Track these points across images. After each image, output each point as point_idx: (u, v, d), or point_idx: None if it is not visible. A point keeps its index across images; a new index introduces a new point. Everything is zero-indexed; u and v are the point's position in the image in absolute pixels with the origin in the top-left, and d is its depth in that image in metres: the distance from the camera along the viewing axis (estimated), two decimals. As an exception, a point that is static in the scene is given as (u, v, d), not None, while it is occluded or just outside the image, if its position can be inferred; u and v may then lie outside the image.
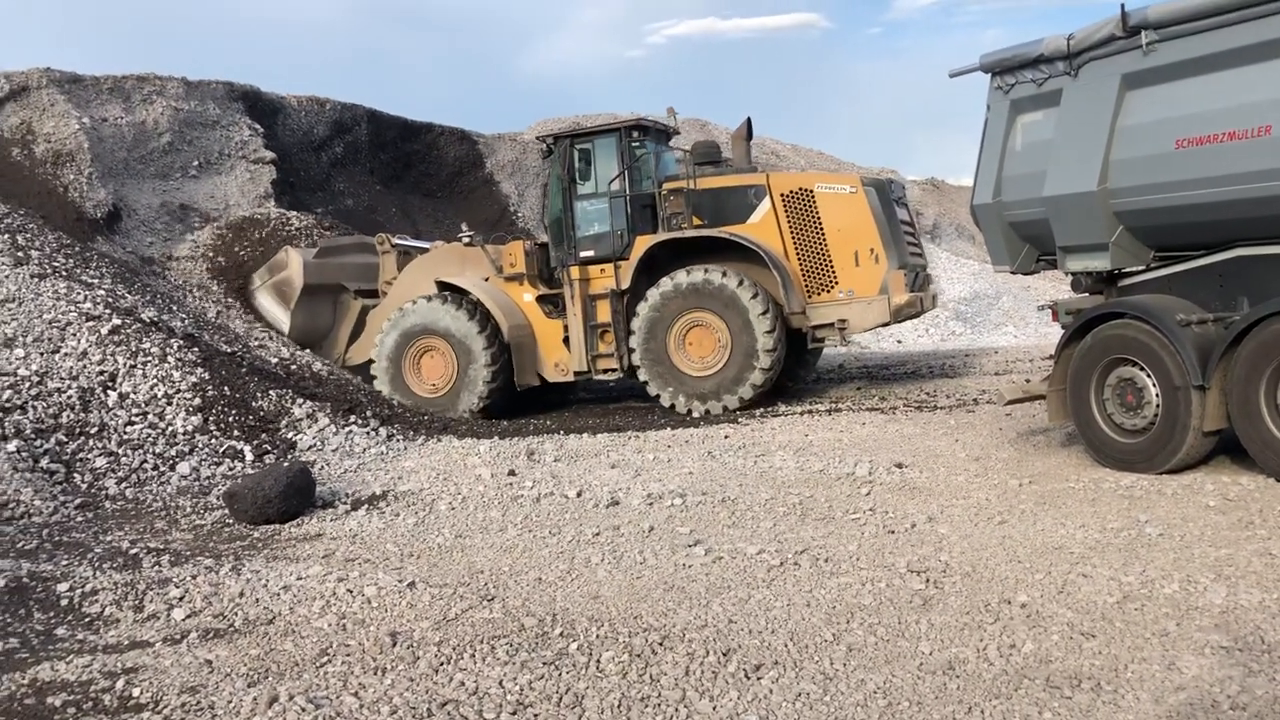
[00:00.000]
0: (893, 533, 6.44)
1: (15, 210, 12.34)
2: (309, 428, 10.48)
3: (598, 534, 6.79)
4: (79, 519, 7.92)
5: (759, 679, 4.27)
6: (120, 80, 14.98)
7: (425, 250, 14.90)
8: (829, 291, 12.68)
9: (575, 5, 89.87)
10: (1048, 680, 4.08)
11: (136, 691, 4.44)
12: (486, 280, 13.66)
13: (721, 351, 12.52)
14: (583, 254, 13.22)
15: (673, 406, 12.66)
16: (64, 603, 5.79)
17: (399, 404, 12.85)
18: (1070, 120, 7.98)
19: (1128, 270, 8.09)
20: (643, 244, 12.94)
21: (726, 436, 10.50)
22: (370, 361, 13.78)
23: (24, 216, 12.26)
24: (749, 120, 14.38)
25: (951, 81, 9.65)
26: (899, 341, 21.43)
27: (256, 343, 12.64)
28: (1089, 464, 7.97)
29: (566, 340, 13.34)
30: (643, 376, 12.83)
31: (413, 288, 13.86)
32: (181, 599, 5.77)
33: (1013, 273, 9.10)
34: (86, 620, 5.59)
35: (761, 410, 12.44)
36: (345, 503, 8.21)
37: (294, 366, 12.52)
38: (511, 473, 8.89)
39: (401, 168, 19.13)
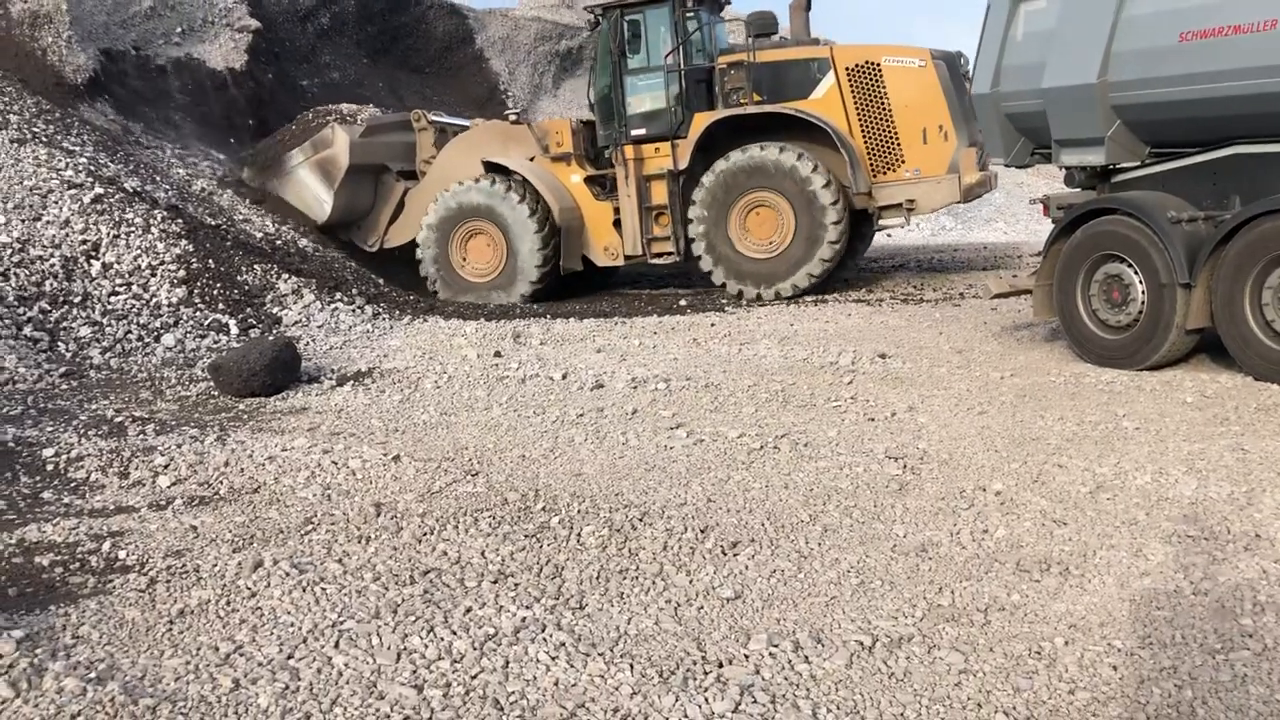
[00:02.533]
0: (872, 420, 6.51)
1: (-8, 73, 12.04)
2: (294, 303, 10.45)
3: (581, 415, 6.84)
4: (64, 387, 7.92)
5: (735, 555, 4.36)
6: (100, -60, 14.46)
7: (463, 128, 14.49)
8: (895, 170, 12.22)
9: None
10: (1018, 564, 4.17)
11: (123, 554, 4.51)
12: (531, 160, 13.27)
13: (783, 234, 12.13)
14: (634, 132, 12.76)
15: (739, 293, 12.35)
16: (50, 467, 5.83)
17: (440, 292, 12.95)
18: (1074, 9, 7.81)
19: (1122, 166, 8.02)
20: (701, 121, 12.41)
21: (713, 325, 10.52)
22: (409, 243, 13.54)
23: (1, 79, 11.97)
24: None
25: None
26: (889, 235, 21.28)
27: (241, 217, 12.49)
28: (1071, 359, 8.02)
29: (617, 223, 13.00)
30: (701, 260, 12.49)
31: (453, 167, 13.47)
32: (167, 467, 5.82)
33: (1006, 165, 9.02)
34: (72, 485, 5.63)
35: (750, 298, 12.44)
36: (330, 378, 8.23)
37: (279, 242, 12.40)
38: (497, 354, 8.91)
39: (389, 41, 18.67)
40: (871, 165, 12.29)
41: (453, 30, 19.88)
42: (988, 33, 8.55)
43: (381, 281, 12.49)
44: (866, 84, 12.29)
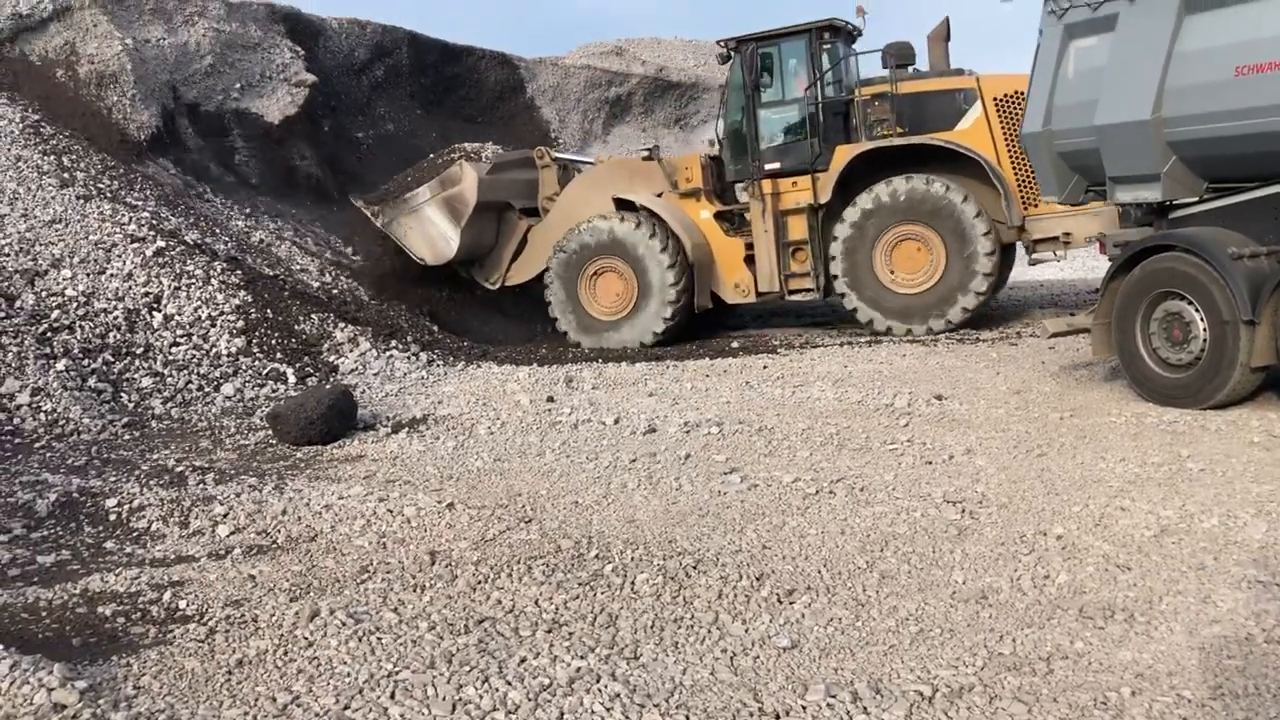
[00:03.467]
0: (930, 463, 6.44)
1: (60, 132, 12.44)
2: (350, 351, 10.59)
3: (634, 460, 6.85)
4: (126, 437, 8.09)
5: (791, 603, 4.32)
6: (162, 1, 14.93)
7: (587, 165, 14.59)
8: (1048, 202, 11.48)
9: None
10: (1080, 611, 4.08)
11: (183, 603, 4.57)
12: (659, 196, 13.22)
13: (934, 269, 11.81)
14: (768, 166, 12.59)
15: (887, 329, 12.07)
16: (112, 517, 5.95)
17: (568, 330, 12.99)
18: (1125, 46, 7.75)
19: (1179, 202, 7.91)
20: (844, 154, 12.16)
21: (765, 367, 10.49)
22: (531, 281, 13.64)
23: (69, 138, 12.36)
24: (947, 20, 13.27)
25: (1003, 7, 9.44)
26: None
27: (299, 267, 12.73)
28: (1132, 399, 7.88)
29: (748, 259, 12.85)
30: (845, 297, 12.23)
31: (579, 204, 13.45)
32: (226, 515, 5.91)
33: (1060, 203, 8.95)
34: (134, 535, 5.74)
35: (802, 340, 12.40)
36: (386, 425, 8.32)
37: (335, 291, 12.61)
38: (550, 399, 8.95)
39: (442, 92, 18.99)
40: (1021, 197, 11.94)
41: (504, 79, 20.19)
42: (1038, 71, 8.51)
43: (436, 329, 12.62)
44: (1016, 114, 11.75)
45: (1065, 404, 7.92)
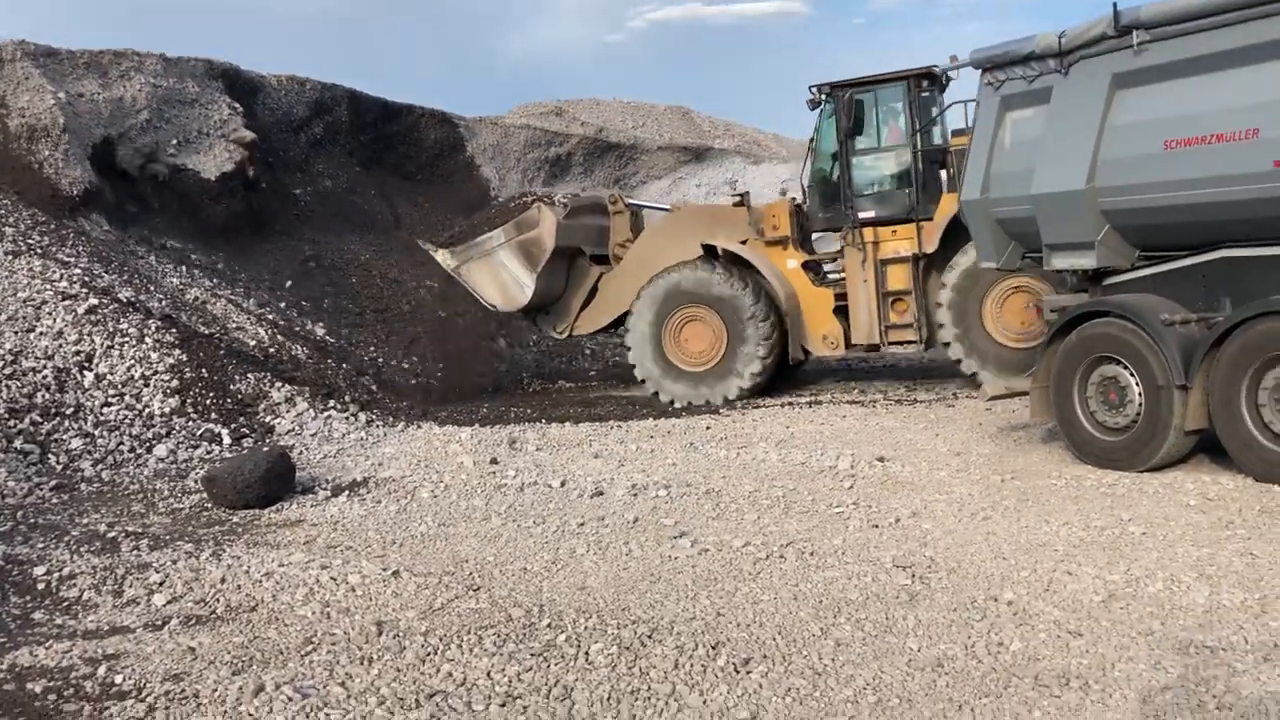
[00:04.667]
0: (877, 527, 6.47)
1: (-11, 186, 12.17)
2: (288, 412, 10.41)
3: (583, 524, 6.79)
4: (54, 501, 7.84)
5: (748, 673, 4.28)
6: (97, 55, 14.73)
7: (661, 211, 14.40)
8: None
9: None
10: (1036, 678, 4.11)
11: (119, 679, 4.41)
12: (744, 244, 12.96)
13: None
14: (864, 214, 12.32)
15: (985, 384, 11.29)
16: (41, 586, 5.74)
17: (649, 381, 12.74)
18: (1060, 118, 8.01)
19: (1113, 269, 8.14)
20: (950, 203, 11.50)
21: (708, 428, 10.52)
22: (606, 329, 13.54)
23: (-2, 192, 12.09)
24: None
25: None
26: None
27: (235, 325, 12.52)
28: (1070, 461, 8.02)
29: (837, 310, 12.64)
30: (950, 348, 11.89)
31: (657, 252, 13.17)
32: (162, 584, 5.73)
33: (998, 269, 9.16)
34: (65, 604, 5.53)
35: (743, 400, 12.46)
36: (325, 489, 8.17)
37: (272, 350, 12.41)
38: (494, 461, 8.87)
39: (381, 149, 18.97)
40: None
41: (444, 138, 20.25)
42: (976, 139, 8.75)
43: (375, 387, 12.48)
44: None
45: (1006, 466, 8.04)
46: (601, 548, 6.25)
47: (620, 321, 13.56)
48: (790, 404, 12.12)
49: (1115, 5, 7.46)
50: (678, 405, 12.60)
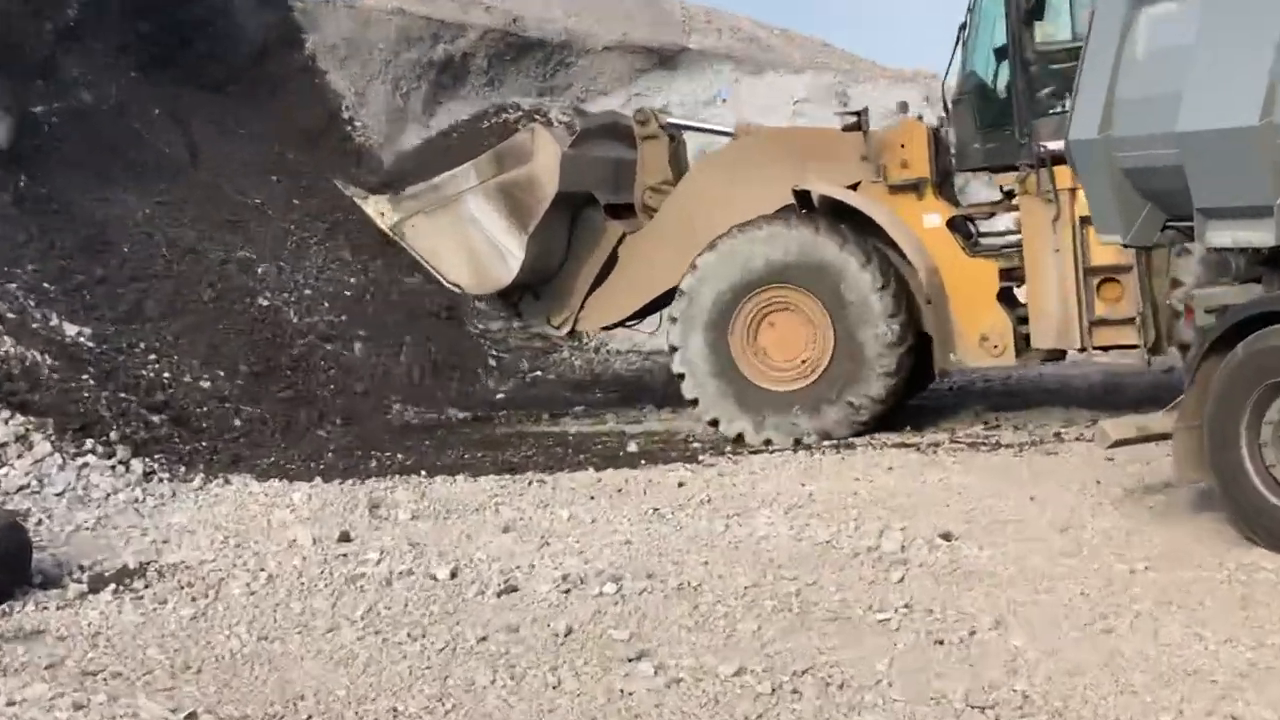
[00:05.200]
0: (941, 643, 6.57)
1: None
2: (18, 457, 10.32)
3: (485, 639, 6.83)
4: None
5: None
6: None
7: (724, 135, 14.16)
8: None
9: None
10: None
11: None
12: (856, 189, 12.85)
13: None
14: (1052, 145, 11.61)
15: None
16: None
17: (709, 408, 12.55)
18: (1219, 17, 8.14)
19: (1298, 249, 8.29)
20: None
21: (682, 484, 10.59)
22: (623, 324, 13.60)
23: None
24: None
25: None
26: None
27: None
28: (1236, 541, 8.15)
29: (1002, 295, 12.66)
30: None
31: (717, 200, 13.05)
32: None
33: (1126, 245, 9.30)
34: None
35: (732, 444, 12.53)
36: (80, 579, 8.16)
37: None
38: (345, 537, 8.87)
39: (173, 46, 18.76)
40: None
41: (269, 29, 20.04)
42: (1091, 51, 8.88)
43: (157, 419, 12.36)
44: None
45: (1137, 550, 8.16)
46: (515, 677, 6.29)
47: (653, 309, 13.51)
48: (809, 448, 12.21)
49: None
50: (752, 441, 12.56)
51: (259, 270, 15.20)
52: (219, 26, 19.47)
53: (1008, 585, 7.52)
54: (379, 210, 13.39)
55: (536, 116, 13.49)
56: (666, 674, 6.21)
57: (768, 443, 12.48)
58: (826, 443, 12.32)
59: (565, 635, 6.84)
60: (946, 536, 8.53)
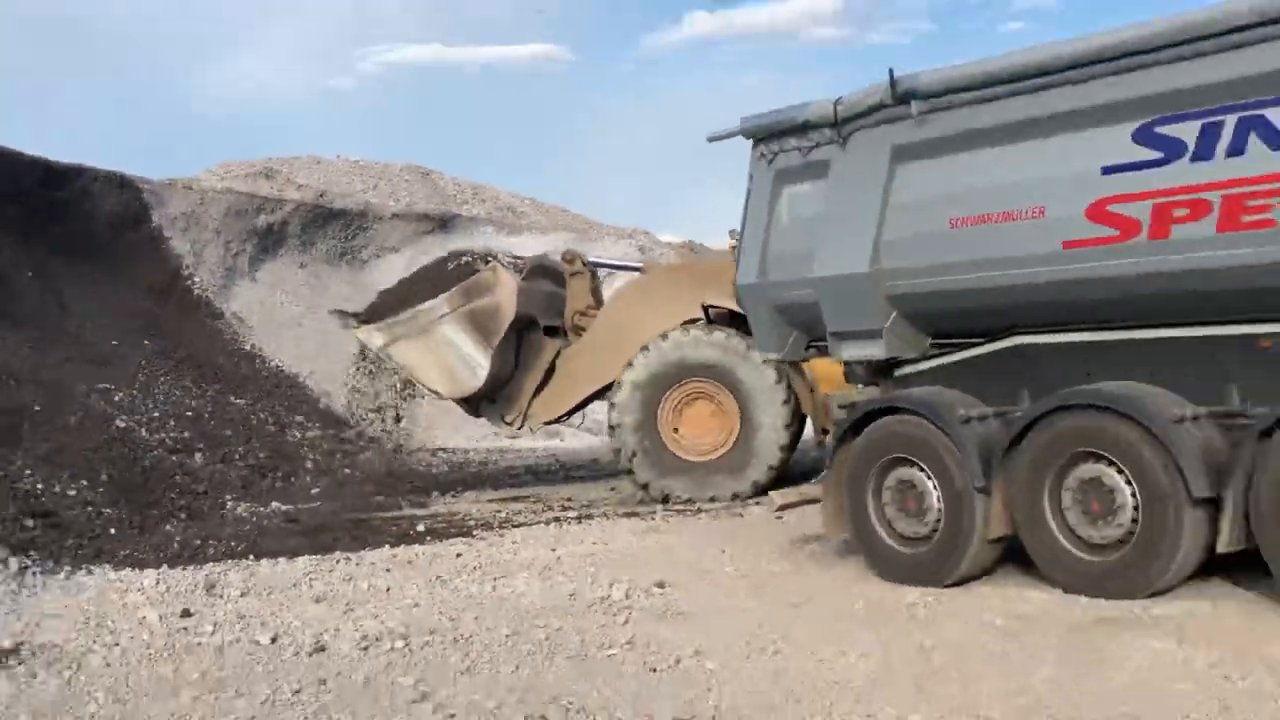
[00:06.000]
0: (655, 671, 6.45)
1: None
2: (-85, 559, 9.52)
3: (298, 691, 6.45)
4: None
5: None
6: None
7: (631, 270, 13.95)
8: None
9: (265, 21, 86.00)
10: None
11: None
12: None
13: None
14: None
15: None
16: None
17: (641, 473, 12.34)
18: (839, 194, 8.44)
19: (904, 359, 8.58)
20: None
21: (459, 555, 10.31)
22: (560, 419, 12.99)
23: None
24: None
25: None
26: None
27: None
28: (870, 578, 8.28)
29: None
30: None
31: (637, 318, 12.72)
32: None
33: (781, 361, 9.50)
34: None
35: (502, 517, 12.35)
36: (-39, 661, 7.47)
37: None
38: (186, 613, 8.36)
39: (42, 221, 17.94)
40: None
41: (123, 206, 19.39)
42: (751, 218, 9.10)
43: (30, 522, 11.58)
44: None
45: (800, 588, 8.21)
46: (321, 722, 5.96)
47: (582, 407, 13.21)
48: (557, 519, 12.09)
49: (891, 72, 7.97)
50: (676, 500, 12.47)
51: (116, 398, 14.47)
52: (81, 205, 18.74)
53: (706, 621, 7.46)
54: (370, 338, 13.02)
55: (490, 258, 13.26)
56: (444, 711, 5.95)
57: (689, 502, 12.45)
58: (736, 501, 12.48)
59: (364, 684, 6.53)
60: (661, 585, 8.43)
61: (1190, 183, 6.78)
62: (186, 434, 14.68)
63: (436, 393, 13.07)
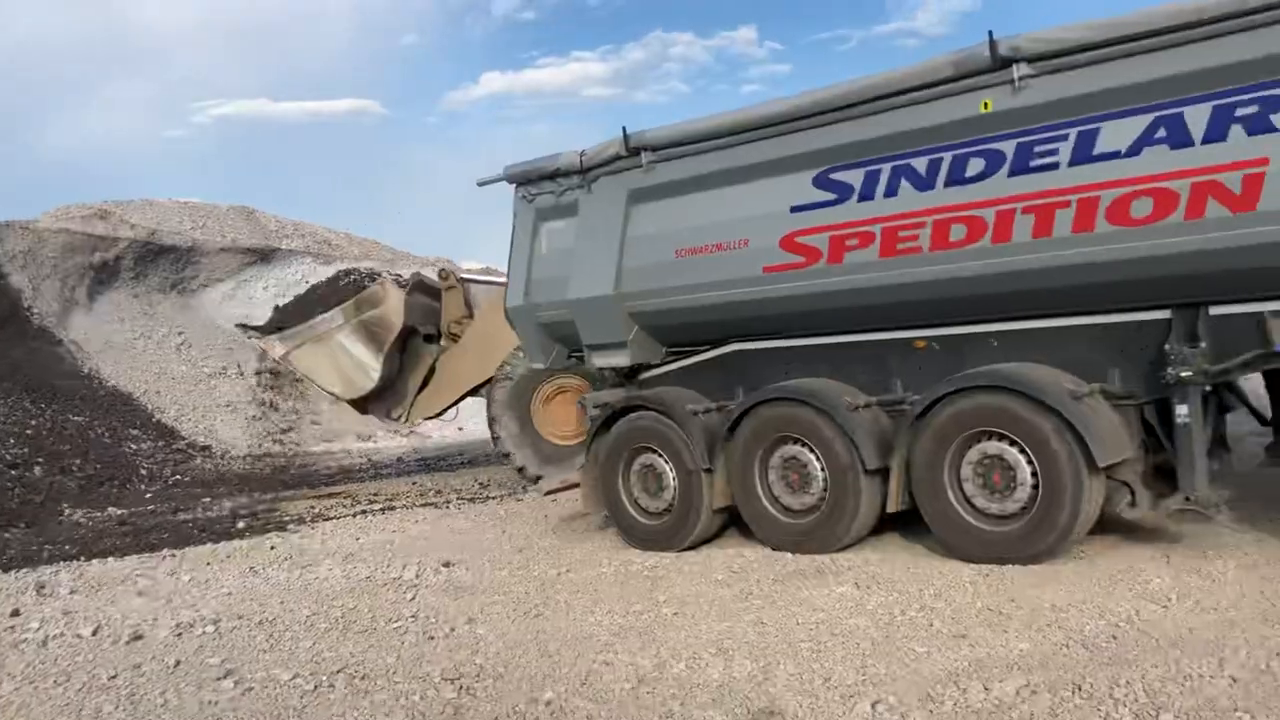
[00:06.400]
0: (432, 639, 6.48)
1: None
2: None
3: (114, 677, 6.21)
4: None
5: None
6: None
7: (498, 284, 13.17)
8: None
9: (105, 77, 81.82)
10: (563, 778, 4.28)
11: None
12: None
13: None
14: None
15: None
16: None
17: (526, 464, 12.12)
18: (587, 229, 8.64)
19: (646, 365, 8.84)
20: None
21: (273, 548, 10.06)
22: (439, 415, 12.72)
23: None
24: None
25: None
26: (460, 429, 21.71)
27: None
28: (622, 547, 8.51)
29: None
30: None
31: (506, 326, 11.84)
32: None
33: (547, 369, 9.62)
34: None
35: (315, 512, 12.08)
36: None
37: None
38: (15, 613, 7.90)
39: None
40: None
41: (-36, 246, 18.19)
42: (516, 249, 9.21)
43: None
44: None
45: (563, 559, 8.37)
46: (133, 702, 5.75)
47: (458, 403, 13.09)
48: (363, 512, 11.91)
49: (625, 129, 8.22)
50: (548, 482, 11.90)
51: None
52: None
53: (481, 593, 7.51)
54: (275, 348, 12.60)
55: (379, 275, 13.08)
56: (243, 685, 5.84)
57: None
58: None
59: (175, 666, 6.32)
60: (446, 564, 8.46)
61: (857, 218, 7.24)
62: (26, 450, 13.81)
63: (333, 394, 13.03)
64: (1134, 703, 4.38)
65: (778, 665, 5.34)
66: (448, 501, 12.14)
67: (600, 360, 8.87)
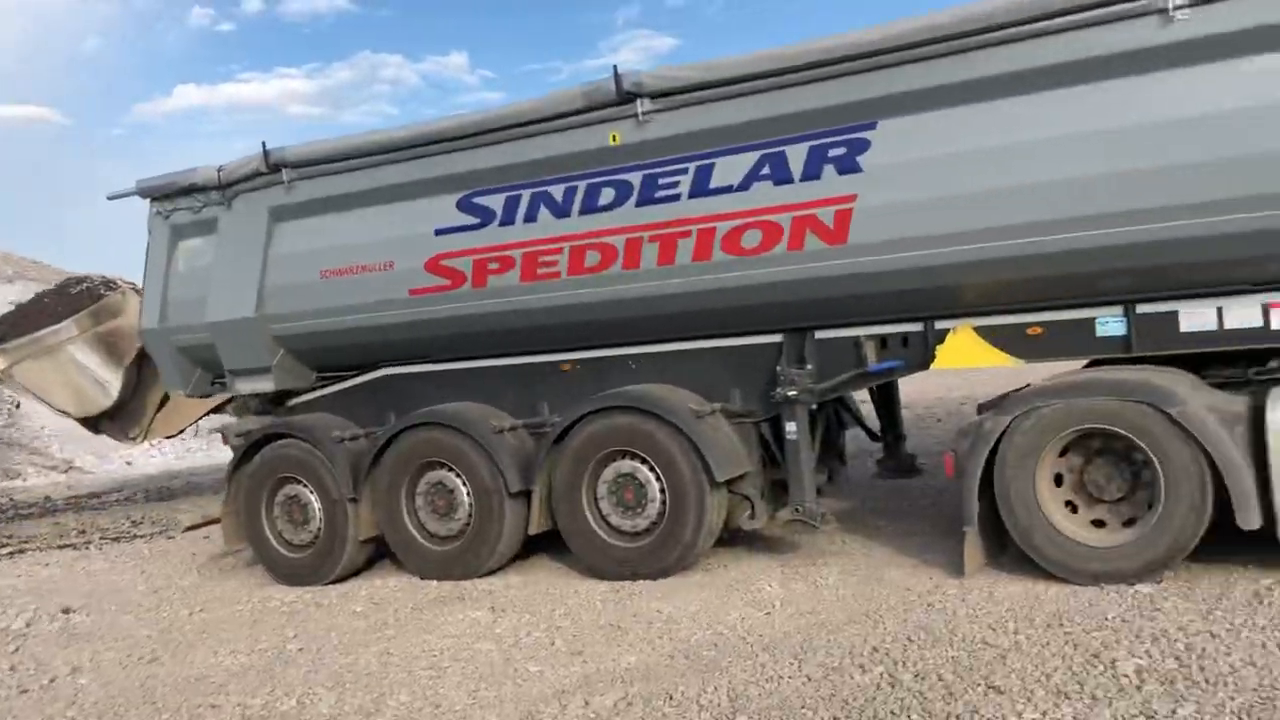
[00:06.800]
0: (25, 692, 5.95)
1: None
2: None
3: None
4: None
5: None
6: None
7: None
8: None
9: None
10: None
11: None
12: None
13: None
14: None
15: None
16: None
17: None
18: (227, 248, 8.26)
19: (294, 390, 8.53)
20: None
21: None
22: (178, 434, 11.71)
23: None
24: None
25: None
26: (129, 463, 20.15)
27: None
28: (267, 583, 8.14)
29: None
30: None
31: None
32: None
33: (188, 396, 9.10)
34: None
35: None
36: None
37: None
38: None
39: None
40: None
41: None
42: (151, 268, 8.67)
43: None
44: None
45: (199, 598, 7.91)
46: None
47: (194, 422, 12.24)
48: (12, 556, 10.78)
49: (264, 144, 7.93)
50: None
51: None
52: None
53: (97, 640, 6.96)
54: None
55: (116, 283, 11.41)
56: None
57: None
58: None
59: None
60: (66, 611, 7.79)
61: (499, 242, 7.31)
62: None
63: (65, 412, 11.55)
64: (716, 707, 4.62)
65: (391, 695, 5.26)
66: (88, 543, 11.18)
67: (244, 386, 8.48)
